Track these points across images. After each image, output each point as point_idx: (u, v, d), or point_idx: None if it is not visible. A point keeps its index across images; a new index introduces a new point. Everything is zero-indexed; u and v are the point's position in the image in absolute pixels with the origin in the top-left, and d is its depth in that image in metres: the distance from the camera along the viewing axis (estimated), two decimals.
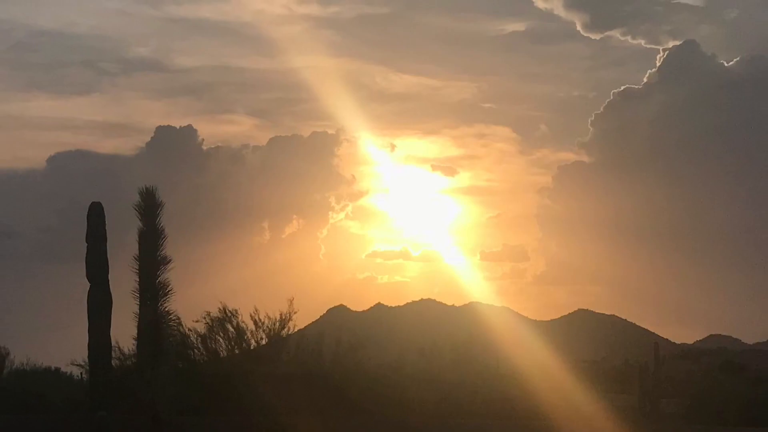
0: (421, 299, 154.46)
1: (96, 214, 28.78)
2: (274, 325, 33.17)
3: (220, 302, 33.36)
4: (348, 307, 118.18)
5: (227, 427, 28.34)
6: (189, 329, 32.56)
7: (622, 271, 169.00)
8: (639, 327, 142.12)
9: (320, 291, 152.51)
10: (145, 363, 28.15)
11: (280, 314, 33.19)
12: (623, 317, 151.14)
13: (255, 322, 33.19)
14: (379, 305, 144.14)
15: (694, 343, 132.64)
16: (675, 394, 48.78)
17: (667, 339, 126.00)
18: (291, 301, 33.41)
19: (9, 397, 32.92)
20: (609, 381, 50.71)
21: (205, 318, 33.00)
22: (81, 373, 31.75)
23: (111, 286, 28.84)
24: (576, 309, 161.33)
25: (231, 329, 33.11)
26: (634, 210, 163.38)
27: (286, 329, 33.39)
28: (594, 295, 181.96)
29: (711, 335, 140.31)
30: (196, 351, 32.88)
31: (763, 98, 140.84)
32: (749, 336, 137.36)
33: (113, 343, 29.43)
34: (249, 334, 33.25)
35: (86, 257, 28.59)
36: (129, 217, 28.06)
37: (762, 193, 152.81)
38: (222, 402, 29.53)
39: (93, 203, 28.87)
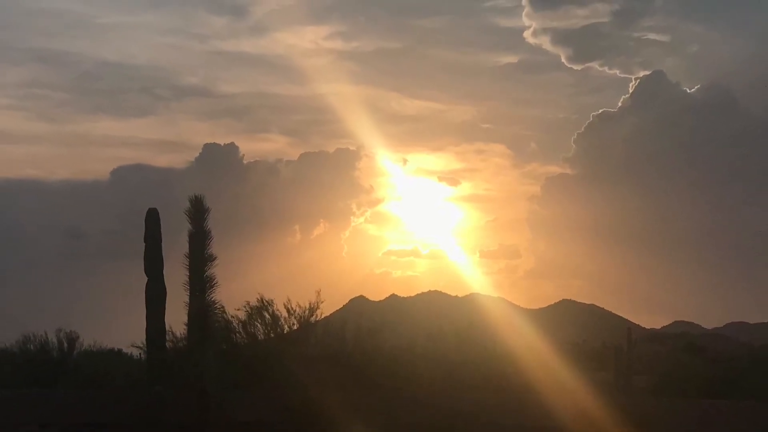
0: (429, 291, 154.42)
1: (153, 219, 28.70)
2: (304, 312, 33.06)
3: (258, 293, 33.28)
4: (367, 297, 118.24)
5: (263, 400, 28.21)
6: (231, 316, 32.45)
7: (600, 267, 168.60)
8: (614, 314, 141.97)
9: (343, 284, 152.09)
10: (193, 345, 28.05)
11: (309, 303, 33.08)
12: (601, 306, 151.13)
13: (288, 310, 33.09)
14: (393, 296, 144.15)
15: (661, 328, 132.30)
16: (645, 371, 48.49)
17: (638, 325, 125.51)
18: (318, 293, 33.31)
19: (79, 374, 32.87)
20: (589, 360, 50.51)
21: (245, 307, 32.92)
22: (140, 354, 31.64)
23: (165, 280, 28.77)
24: (561, 299, 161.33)
25: (267, 316, 33.00)
26: (610, 215, 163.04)
27: (314, 316, 33.28)
28: (576, 287, 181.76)
29: (675, 321, 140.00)
30: (237, 335, 32.76)
31: (720, 120, 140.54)
32: (708, 322, 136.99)
33: (167, 328, 29.34)
34: (283, 321, 33.14)
35: (144, 255, 28.50)
36: (180, 221, 27.97)
37: (720, 201, 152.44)
38: (259, 379, 29.41)
39: (150, 209, 28.78)
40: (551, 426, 28.30)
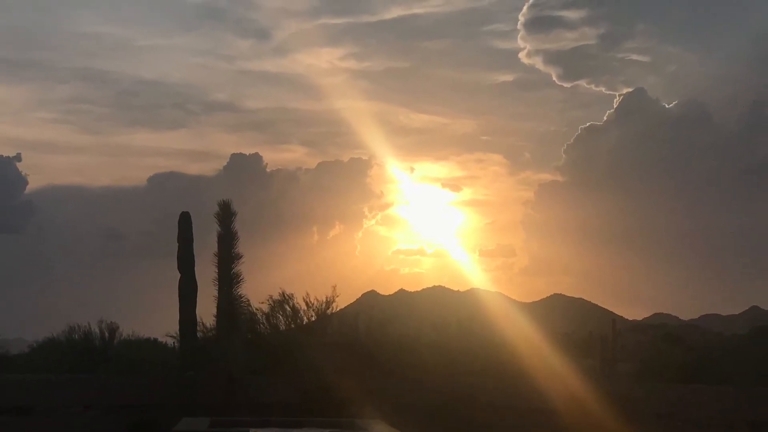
0: (434, 286, 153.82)
1: (185, 221, 28.78)
2: (321, 305, 33.06)
3: (280, 288, 33.27)
4: (378, 291, 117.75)
5: (284, 384, 28.19)
6: (256, 309, 32.43)
7: (588, 265, 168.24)
8: (600, 307, 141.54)
9: (356, 280, 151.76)
10: (222, 335, 28.09)
11: (326, 297, 33.07)
12: (588, 300, 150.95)
13: (306, 303, 33.07)
14: (401, 290, 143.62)
15: (643, 319, 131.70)
16: (628, 359, 48.27)
17: (621, 316, 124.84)
18: (334, 287, 33.32)
19: (119, 361, 32.86)
20: (577, 349, 50.20)
21: (268, 300, 32.91)
22: (173, 342, 31.63)
23: (196, 277, 28.83)
24: (552, 293, 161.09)
25: (288, 309, 32.99)
26: (596, 218, 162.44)
27: (330, 309, 33.27)
28: (566, 282, 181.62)
29: (655, 313, 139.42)
30: (261, 325, 32.75)
31: (695, 133, 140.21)
32: (685, 314, 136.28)
33: (198, 319, 29.41)
34: (302, 313, 33.13)
35: (177, 254, 28.58)
36: (210, 223, 28.01)
37: (694, 206, 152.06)
38: (281, 365, 29.40)
39: (182, 213, 28.88)
40: (543, 407, 28.29)
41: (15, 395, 27.81)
